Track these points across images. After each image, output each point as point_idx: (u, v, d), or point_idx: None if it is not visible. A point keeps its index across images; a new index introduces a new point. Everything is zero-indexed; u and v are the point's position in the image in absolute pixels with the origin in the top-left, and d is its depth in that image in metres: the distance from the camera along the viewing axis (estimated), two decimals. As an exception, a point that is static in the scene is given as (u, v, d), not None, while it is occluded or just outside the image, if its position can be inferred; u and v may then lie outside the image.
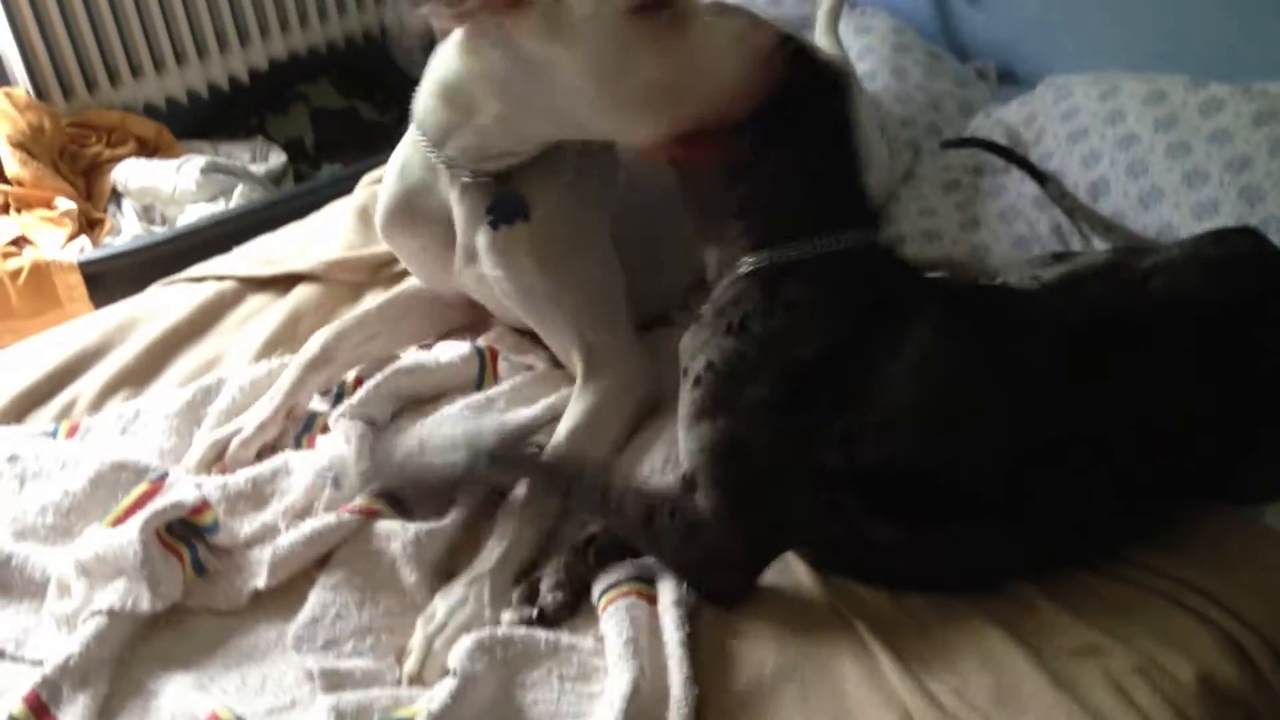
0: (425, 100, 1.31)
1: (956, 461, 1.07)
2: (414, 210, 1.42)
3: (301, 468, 1.29)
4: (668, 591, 1.10)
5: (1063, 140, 1.78)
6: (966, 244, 1.71)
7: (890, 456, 1.05)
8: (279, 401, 1.38)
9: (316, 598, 1.13)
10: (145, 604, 1.10)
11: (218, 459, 1.34)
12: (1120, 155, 1.69)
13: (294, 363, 1.43)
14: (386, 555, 1.17)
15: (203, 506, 1.19)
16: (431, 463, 1.20)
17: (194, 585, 1.16)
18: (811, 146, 1.11)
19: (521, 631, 1.08)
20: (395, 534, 1.18)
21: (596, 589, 1.13)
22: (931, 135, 1.99)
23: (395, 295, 1.56)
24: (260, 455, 1.36)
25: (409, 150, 1.40)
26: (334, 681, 1.05)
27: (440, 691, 1.00)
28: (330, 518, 1.19)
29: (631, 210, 1.44)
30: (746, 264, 1.12)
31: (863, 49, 2.16)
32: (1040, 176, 1.67)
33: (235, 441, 1.35)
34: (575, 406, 1.33)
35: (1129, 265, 1.24)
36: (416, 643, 1.09)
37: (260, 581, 1.15)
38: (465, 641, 1.05)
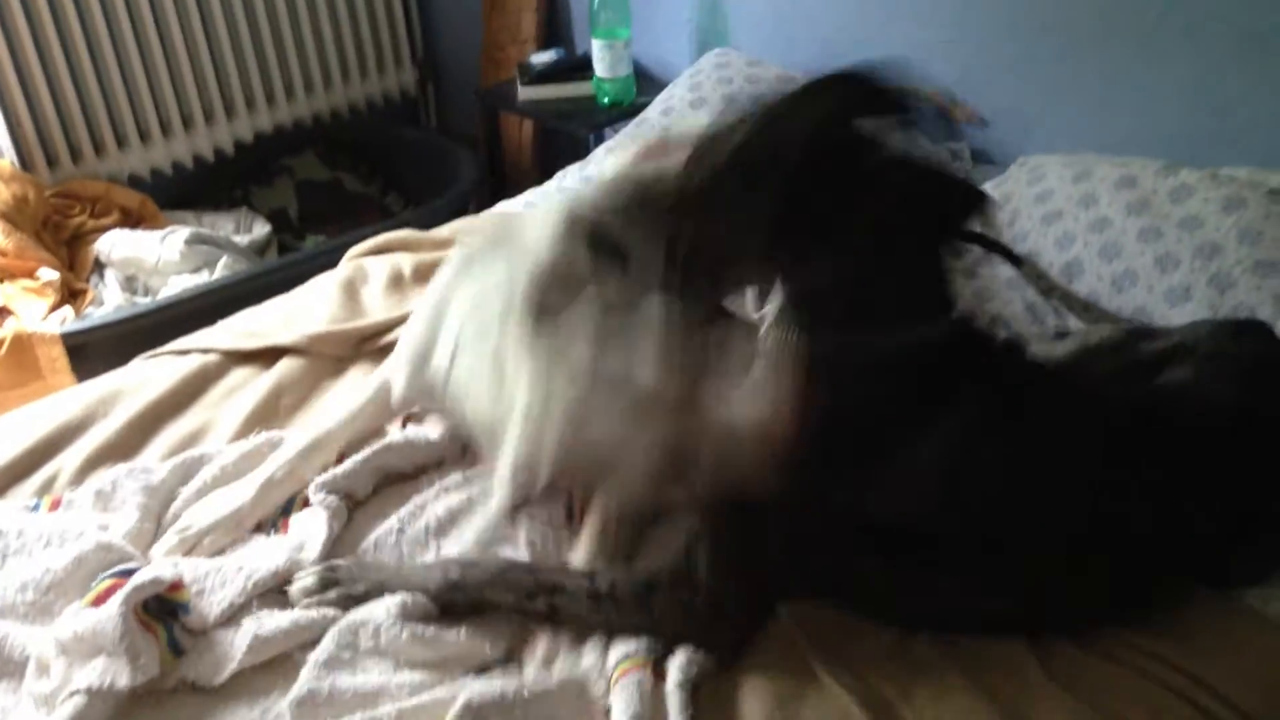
0: None
1: (959, 532, 1.08)
2: None
3: (271, 549, 1.30)
4: (675, 671, 1.11)
5: (1037, 222, 1.82)
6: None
7: (896, 512, 1.07)
8: (239, 519, 1.36)
9: (307, 673, 1.12)
10: (125, 679, 1.09)
11: (185, 554, 1.33)
12: (1094, 238, 1.72)
13: (255, 478, 1.40)
14: (370, 624, 1.16)
15: (179, 584, 1.19)
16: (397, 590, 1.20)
17: (170, 666, 1.15)
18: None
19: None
20: (379, 604, 1.19)
21: (613, 656, 1.14)
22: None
23: (359, 411, 1.51)
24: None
25: None
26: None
27: None
28: (313, 613, 1.19)
29: None
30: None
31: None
32: (1016, 260, 1.71)
33: (205, 542, 1.33)
34: None
35: (1142, 348, 1.28)
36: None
37: (235, 663, 1.14)
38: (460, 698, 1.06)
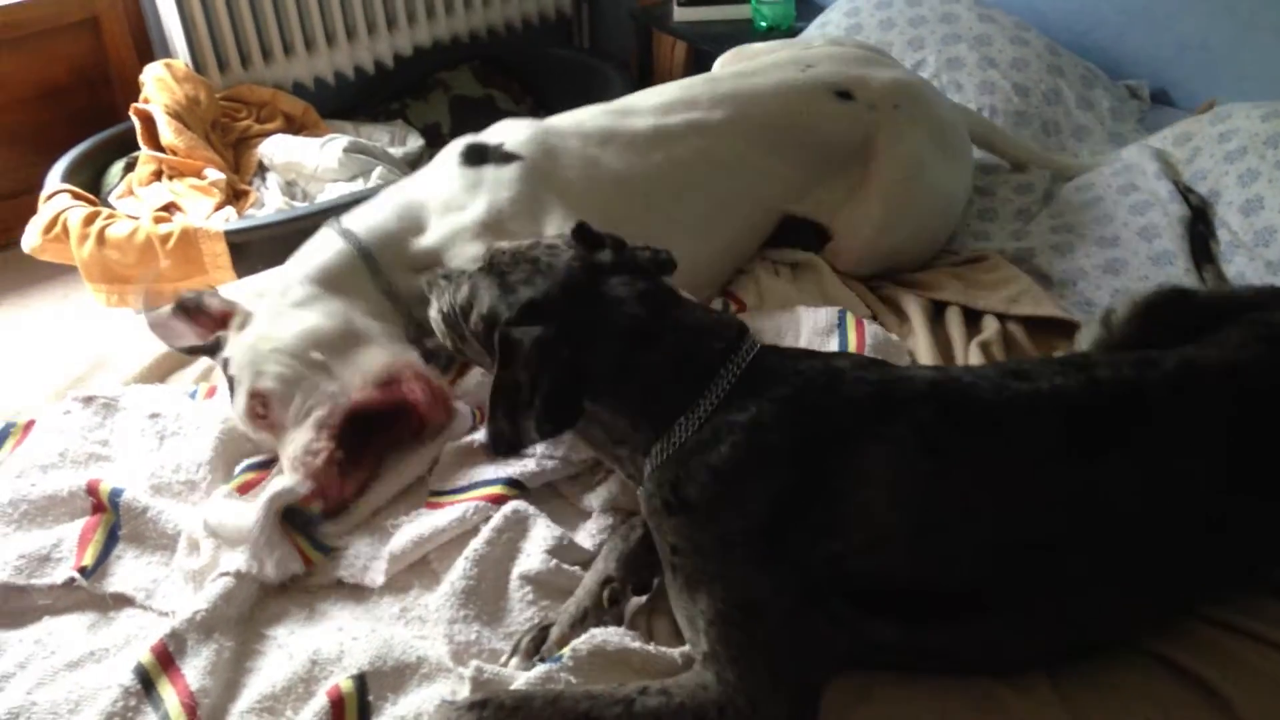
0: None
1: (949, 568, 1.01)
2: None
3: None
4: None
5: (1219, 160, 1.73)
6: (1099, 258, 1.67)
7: (880, 572, 1.00)
8: None
9: (459, 568, 1.14)
10: (270, 572, 1.14)
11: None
12: (1280, 174, 1.62)
13: None
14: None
15: (310, 496, 1.21)
16: None
17: (320, 564, 1.19)
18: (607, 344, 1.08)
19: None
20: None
21: None
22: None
23: None
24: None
25: None
26: (467, 653, 1.08)
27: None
28: (457, 510, 1.21)
29: None
30: (653, 460, 1.07)
31: (1017, 60, 2.12)
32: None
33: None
34: None
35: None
36: None
37: (384, 565, 1.18)
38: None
